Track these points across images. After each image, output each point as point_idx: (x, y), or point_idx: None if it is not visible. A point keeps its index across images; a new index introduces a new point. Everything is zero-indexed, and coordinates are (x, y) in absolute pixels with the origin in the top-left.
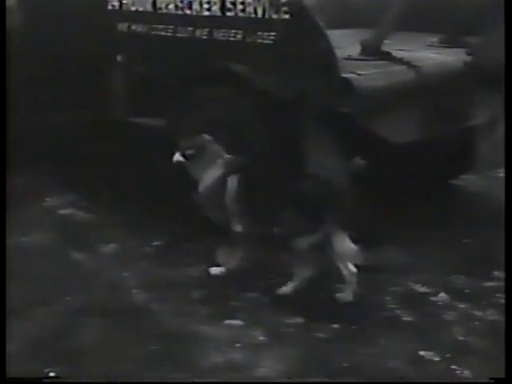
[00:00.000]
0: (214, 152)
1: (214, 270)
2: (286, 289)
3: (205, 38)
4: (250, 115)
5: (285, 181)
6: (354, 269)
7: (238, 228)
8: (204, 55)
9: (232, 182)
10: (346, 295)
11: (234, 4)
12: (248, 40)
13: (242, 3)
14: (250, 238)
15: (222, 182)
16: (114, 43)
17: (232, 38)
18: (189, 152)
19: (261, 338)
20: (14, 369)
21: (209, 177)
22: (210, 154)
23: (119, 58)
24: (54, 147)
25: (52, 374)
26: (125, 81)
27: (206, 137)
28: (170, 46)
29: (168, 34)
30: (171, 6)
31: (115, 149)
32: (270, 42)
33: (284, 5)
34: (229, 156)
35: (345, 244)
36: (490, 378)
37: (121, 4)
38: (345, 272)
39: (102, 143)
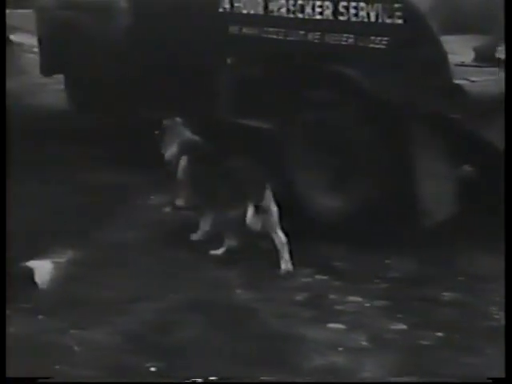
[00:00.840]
0: (178, 133)
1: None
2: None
3: (316, 41)
4: (359, 118)
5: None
6: (283, 237)
7: (179, 202)
8: (315, 58)
9: (183, 160)
10: (283, 264)
11: (346, 8)
12: (360, 44)
13: (355, 8)
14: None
15: (177, 160)
16: (225, 45)
17: (344, 42)
18: (157, 131)
19: (363, 343)
20: (115, 362)
21: (168, 154)
22: (174, 134)
23: (229, 60)
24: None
25: (153, 369)
26: (235, 82)
27: (177, 119)
28: (281, 49)
29: (279, 37)
30: (283, 10)
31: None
32: (383, 46)
33: (397, 10)
34: (185, 138)
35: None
36: (489, 378)
37: (232, 7)
38: (276, 241)
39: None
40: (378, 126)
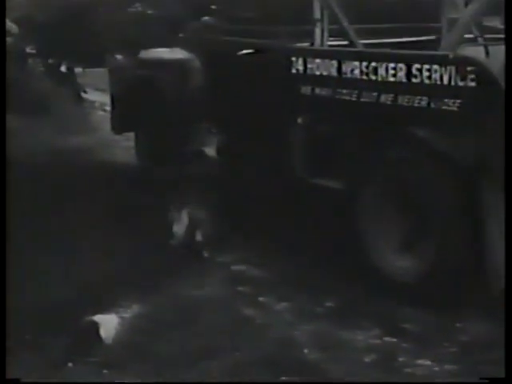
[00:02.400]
0: None
1: None
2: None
3: (389, 103)
4: (432, 179)
5: None
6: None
7: None
8: (388, 119)
9: None
10: None
11: (420, 70)
12: (433, 106)
13: (429, 70)
14: None
15: None
16: (297, 105)
17: (416, 104)
18: None
19: None
20: None
21: None
22: None
23: (300, 119)
24: (226, 202)
25: None
26: (305, 142)
27: None
28: (353, 110)
29: (352, 99)
30: (356, 72)
31: (293, 208)
32: (455, 108)
33: (471, 72)
34: None
35: None
36: (489, 378)
37: (305, 68)
38: None
39: (280, 202)
40: (450, 188)
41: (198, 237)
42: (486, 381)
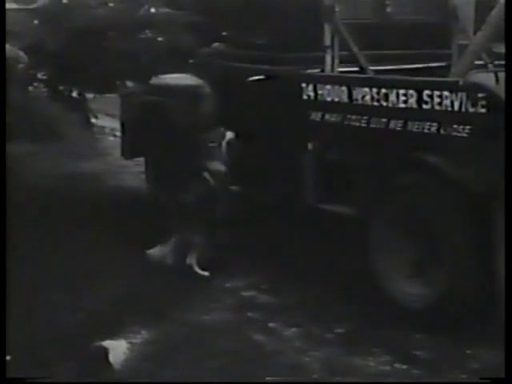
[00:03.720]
0: None
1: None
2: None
3: (399, 129)
4: (442, 205)
5: None
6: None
7: None
8: (398, 146)
9: None
10: None
11: (430, 97)
12: (443, 132)
13: (439, 96)
14: None
15: None
16: (307, 131)
17: (427, 130)
18: None
19: None
20: None
21: None
22: None
23: (311, 145)
24: (236, 227)
25: None
26: (317, 168)
27: None
28: (363, 136)
29: (362, 124)
30: (367, 98)
31: (304, 234)
32: (466, 135)
33: (481, 99)
34: None
35: None
36: (489, 378)
37: (316, 95)
38: None
39: (290, 228)
40: (461, 214)
41: (191, 259)
42: (486, 381)
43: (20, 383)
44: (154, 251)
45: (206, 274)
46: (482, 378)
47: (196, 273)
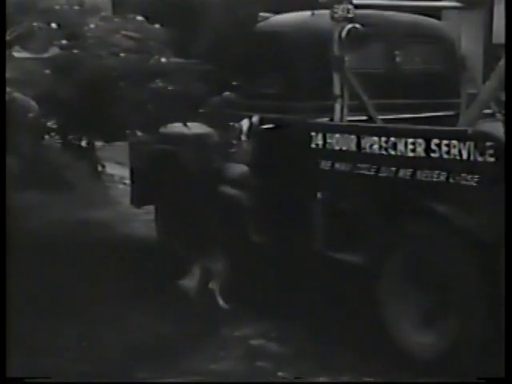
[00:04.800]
0: None
1: None
2: None
3: (408, 178)
4: (452, 254)
5: None
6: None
7: None
8: (406, 194)
9: None
10: None
11: (438, 146)
12: (451, 181)
13: (447, 145)
14: None
15: None
16: (316, 180)
17: (435, 179)
18: None
19: None
20: None
21: None
22: None
23: (320, 194)
24: (244, 275)
25: None
26: (326, 216)
27: None
28: (372, 185)
29: (370, 173)
30: (375, 147)
31: (314, 283)
32: (474, 184)
33: (489, 148)
34: None
35: None
36: (489, 378)
37: (325, 143)
38: None
39: (300, 276)
40: (471, 263)
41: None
42: (486, 381)
43: (20, 383)
44: (184, 282)
45: (226, 306)
46: (480, 378)
47: (216, 303)
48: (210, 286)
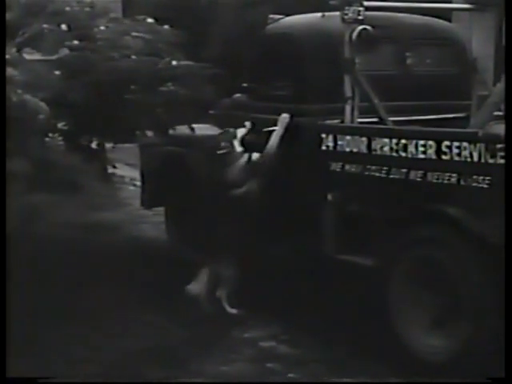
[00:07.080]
0: None
1: None
2: None
3: (419, 180)
4: (463, 257)
5: None
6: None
7: None
8: (417, 196)
9: None
10: None
11: (449, 148)
12: (462, 183)
13: (458, 147)
14: None
15: None
16: (327, 182)
17: (446, 181)
18: None
19: None
20: None
21: None
22: None
23: (330, 196)
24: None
25: None
26: (336, 218)
27: None
28: (382, 187)
29: (381, 175)
30: (386, 148)
31: (324, 285)
32: (485, 186)
33: (500, 150)
34: None
35: None
36: (489, 378)
37: (335, 145)
38: None
39: (310, 279)
40: (481, 266)
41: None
42: (486, 381)
43: (20, 383)
44: (191, 287)
45: (234, 311)
46: (487, 378)
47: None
48: (218, 293)
